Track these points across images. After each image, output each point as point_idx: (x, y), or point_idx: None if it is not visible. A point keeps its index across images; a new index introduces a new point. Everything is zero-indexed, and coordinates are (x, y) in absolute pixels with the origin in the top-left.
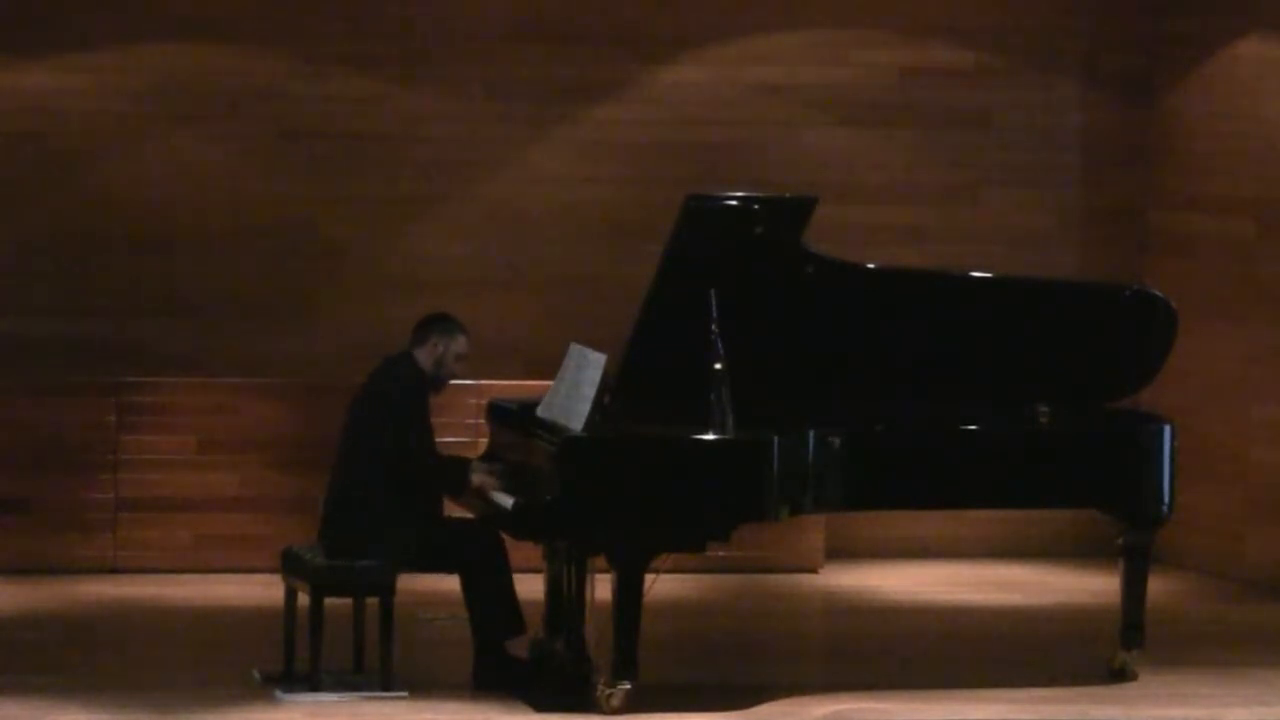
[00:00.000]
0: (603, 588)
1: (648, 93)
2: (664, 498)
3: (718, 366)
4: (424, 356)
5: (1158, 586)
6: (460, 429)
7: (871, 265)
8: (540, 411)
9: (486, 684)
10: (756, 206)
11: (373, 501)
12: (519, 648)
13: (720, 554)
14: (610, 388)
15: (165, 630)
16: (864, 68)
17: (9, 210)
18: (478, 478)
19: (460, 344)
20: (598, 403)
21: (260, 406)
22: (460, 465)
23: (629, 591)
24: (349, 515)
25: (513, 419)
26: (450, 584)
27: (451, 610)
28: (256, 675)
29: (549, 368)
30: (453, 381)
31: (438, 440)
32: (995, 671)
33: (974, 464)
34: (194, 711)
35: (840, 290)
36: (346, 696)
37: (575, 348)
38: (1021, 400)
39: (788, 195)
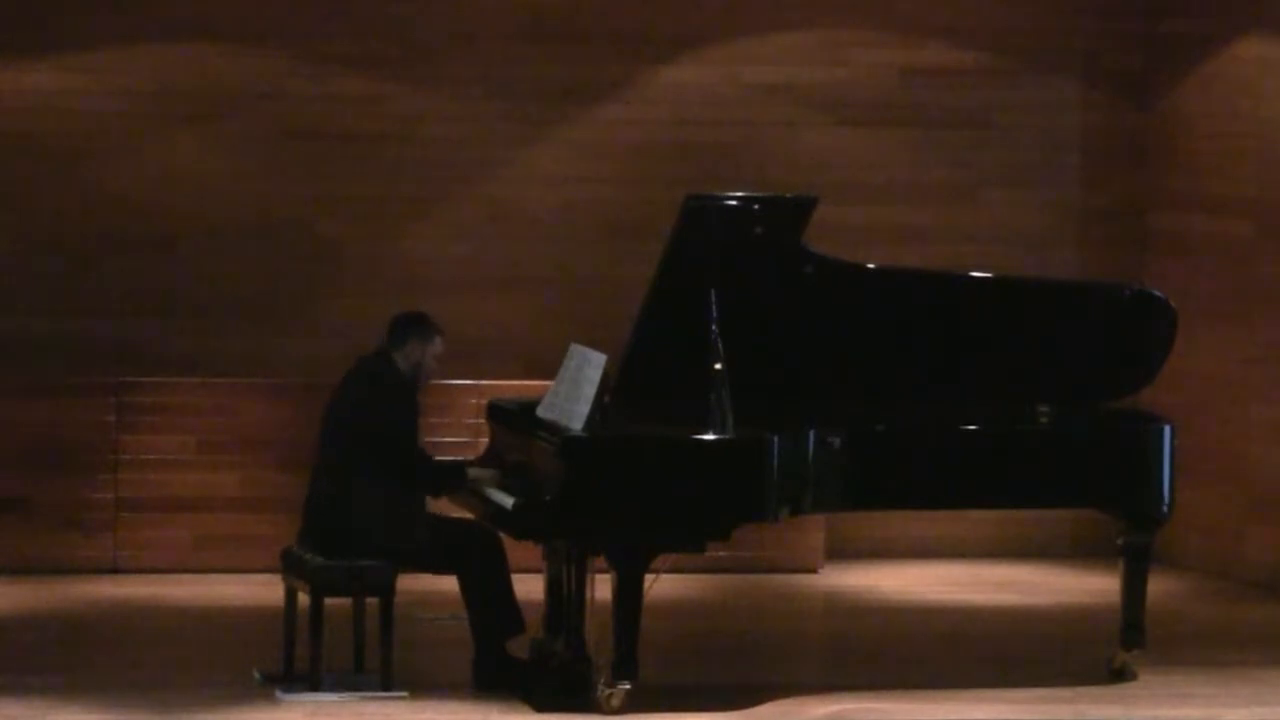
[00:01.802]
0: (603, 588)
1: (648, 93)
2: (664, 498)
3: (718, 366)
4: (401, 359)
5: (1158, 586)
6: (460, 429)
7: (871, 265)
8: (540, 411)
9: (486, 684)
10: (756, 206)
11: (364, 504)
12: (519, 648)
13: (720, 554)
14: (610, 388)
15: (165, 630)
16: (864, 68)
17: (9, 210)
18: (474, 471)
19: (437, 346)
20: (598, 403)
21: (260, 406)
22: (448, 468)
23: (629, 591)
24: (339, 518)
25: (513, 419)
26: (450, 584)
27: (451, 610)
28: (257, 675)
29: (549, 368)
30: (443, 380)
31: (439, 441)
32: (995, 671)
33: (974, 465)
34: (194, 711)
35: (840, 290)
36: (347, 696)
37: (575, 348)
38: (1021, 400)
39: (788, 195)
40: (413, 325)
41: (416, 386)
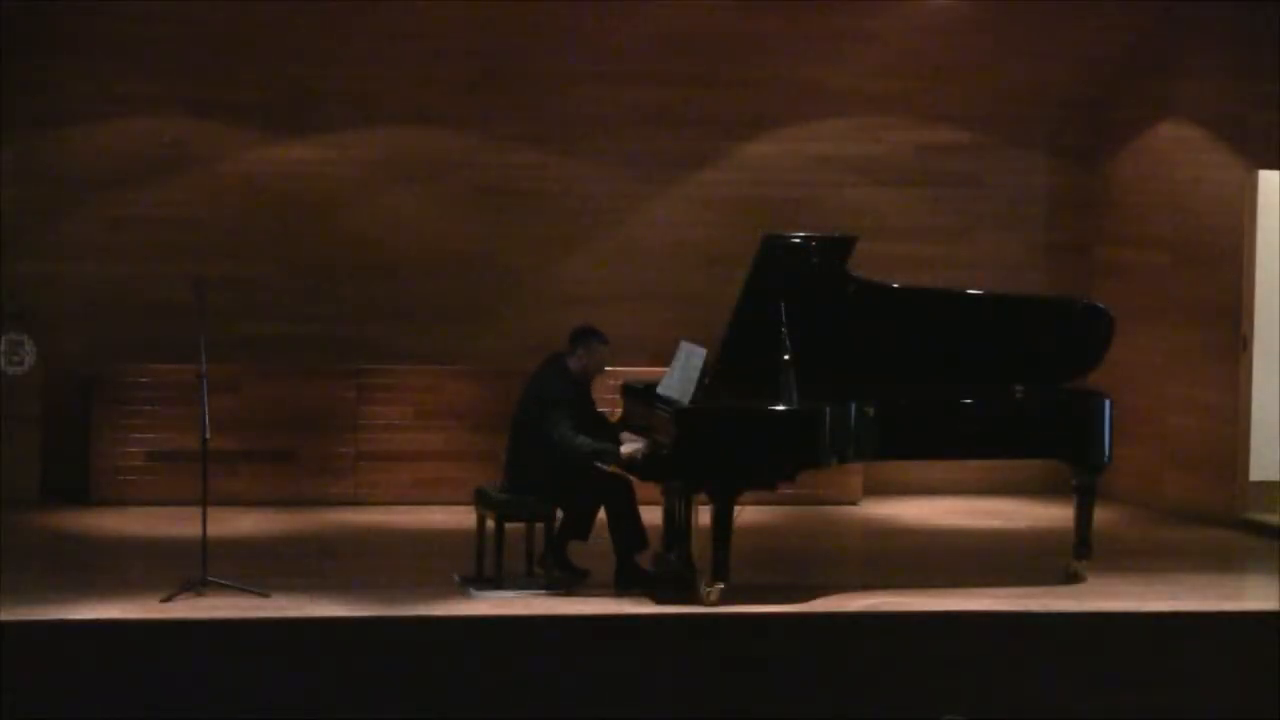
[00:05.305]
0: (704, 516)
1: (735, 162)
2: (747, 451)
3: (786, 357)
4: (574, 363)
5: (1100, 515)
6: (603, 403)
7: (895, 284)
8: (659, 389)
9: (622, 584)
10: (813, 243)
11: (539, 461)
12: (645, 560)
13: (788, 491)
14: (709, 372)
15: (390, 546)
16: (891, 144)
17: (280, 244)
18: (626, 448)
19: (603, 353)
20: (700, 383)
21: (460, 386)
22: (603, 449)
23: (723, 518)
24: (524, 468)
25: (640, 395)
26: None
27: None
28: (456, 578)
29: (665, 358)
30: (605, 368)
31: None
32: (984, 575)
33: (970, 427)
34: (411, 604)
35: (873, 303)
36: (521, 593)
37: (684, 344)
38: (1003, 381)
39: (835, 234)
40: (579, 338)
41: (584, 381)
